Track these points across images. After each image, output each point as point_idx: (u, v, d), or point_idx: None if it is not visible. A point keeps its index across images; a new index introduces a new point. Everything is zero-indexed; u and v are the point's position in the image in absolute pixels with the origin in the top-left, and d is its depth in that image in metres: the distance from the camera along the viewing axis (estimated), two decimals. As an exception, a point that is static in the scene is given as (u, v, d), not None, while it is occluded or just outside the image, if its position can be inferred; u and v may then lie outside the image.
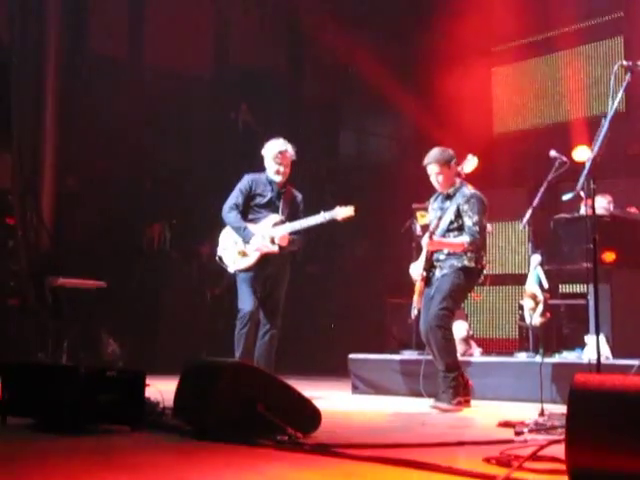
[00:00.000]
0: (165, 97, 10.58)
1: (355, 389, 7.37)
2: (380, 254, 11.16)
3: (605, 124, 4.21)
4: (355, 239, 11.84)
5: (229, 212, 6.38)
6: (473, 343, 7.60)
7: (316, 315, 10.91)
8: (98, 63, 10.37)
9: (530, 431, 4.20)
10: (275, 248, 6.23)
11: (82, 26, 10.47)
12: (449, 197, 6.09)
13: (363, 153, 12.66)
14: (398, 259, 9.27)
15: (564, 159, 6.65)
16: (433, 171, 6.06)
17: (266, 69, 12.16)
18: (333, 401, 6.39)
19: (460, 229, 5.96)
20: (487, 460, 3.25)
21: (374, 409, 6.14)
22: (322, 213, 6.30)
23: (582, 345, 6.89)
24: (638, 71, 4.35)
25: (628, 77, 4.30)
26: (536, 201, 6.79)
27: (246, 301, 6.26)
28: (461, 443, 3.84)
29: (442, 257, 6.01)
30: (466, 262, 5.93)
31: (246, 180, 6.47)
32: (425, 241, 6.04)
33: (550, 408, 4.87)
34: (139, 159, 10.53)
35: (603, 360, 5.94)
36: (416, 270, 6.13)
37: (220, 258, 6.44)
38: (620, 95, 4.25)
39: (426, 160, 6.10)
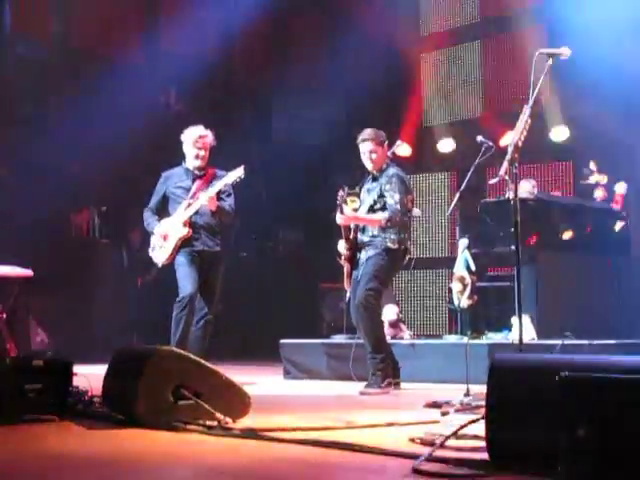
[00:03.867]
0: (94, 81, 10.39)
1: (287, 374, 7.41)
2: (311, 239, 11.21)
3: (527, 110, 4.30)
4: (287, 224, 11.86)
5: (143, 215, 6.54)
6: (403, 326, 7.71)
7: (248, 300, 10.91)
8: (20, 46, 10.14)
9: (456, 411, 4.30)
10: (184, 231, 6.24)
11: (2, 10, 10.21)
12: (375, 179, 6.14)
13: (294, 138, 12.66)
14: (329, 244, 9.33)
15: (490, 144, 6.79)
16: (367, 149, 6.07)
17: (197, 54, 12.05)
18: (265, 386, 6.42)
19: (383, 209, 6.00)
20: (412, 440, 3.32)
21: (305, 393, 6.18)
22: (215, 183, 6.29)
23: (509, 326, 7.05)
24: (558, 58, 4.46)
25: (548, 64, 4.41)
26: (463, 186, 6.93)
27: (185, 284, 6.23)
28: (389, 424, 3.91)
29: (366, 239, 6.06)
30: (389, 244, 5.98)
31: (160, 179, 6.58)
32: (338, 218, 6.06)
33: (477, 389, 4.97)
34: (66, 144, 10.35)
35: (528, 341, 6.12)
36: (342, 249, 6.20)
37: (152, 259, 6.48)
38: (540, 82, 4.35)
39: (361, 137, 6.10)
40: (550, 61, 4.45)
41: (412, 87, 11.30)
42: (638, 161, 9.20)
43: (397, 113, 10.77)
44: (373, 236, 6.03)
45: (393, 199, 5.95)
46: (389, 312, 7.56)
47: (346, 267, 6.15)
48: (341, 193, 6.07)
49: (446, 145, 10.38)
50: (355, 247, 6.11)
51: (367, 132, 6.13)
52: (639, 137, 9.18)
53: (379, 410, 4.82)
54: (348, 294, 6.20)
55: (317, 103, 12.03)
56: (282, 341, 7.56)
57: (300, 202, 11.42)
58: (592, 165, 8.37)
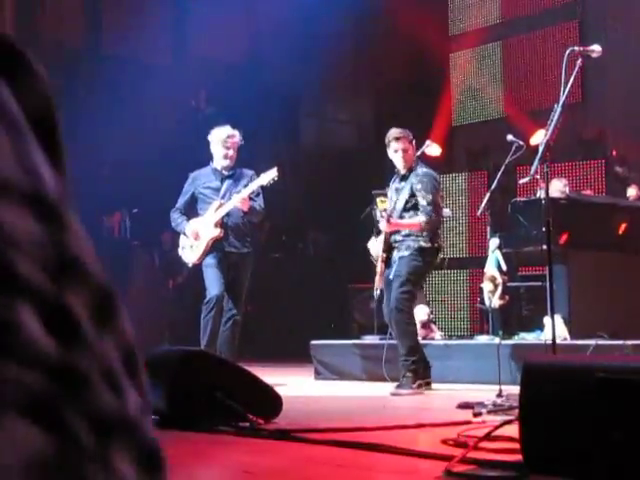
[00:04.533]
0: (124, 84, 10.48)
1: (318, 375, 7.40)
2: (342, 240, 11.21)
3: (558, 109, 4.27)
4: (317, 225, 11.87)
5: (171, 216, 6.54)
6: (434, 327, 7.68)
7: (279, 301, 10.93)
8: (52, 51, 10.25)
9: (488, 412, 4.27)
10: (216, 232, 6.25)
11: (35, 14, 10.33)
12: (404, 178, 6.15)
13: (324, 140, 12.67)
14: (359, 245, 9.32)
15: (521, 143, 6.74)
16: (400, 147, 6.05)
17: (226, 57, 12.11)
18: (295, 387, 6.42)
19: (415, 208, 6.02)
20: (445, 441, 3.30)
21: (336, 394, 6.18)
22: (249, 184, 6.30)
23: (541, 326, 6.99)
24: (589, 56, 4.43)
25: (579, 62, 4.37)
26: (494, 185, 6.88)
27: (212, 286, 6.27)
28: (420, 425, 3.89)
29: (399, 238, 6.07)
30: (422, 242, 5.98)
31: (188, 180, 6.58)
32: (383, 224, 6.10)
33: (509, 389, 4.94)
34: (97, 146, 10.44)
35: (561, 341, 6.06)
36: (374, 248, 6.20)
37: (181, 258, 6.53)
38: (572, 80, 4.32)
39: (394, 135, 6.07)
40: (581, 59, 4.41)
41: (441, 87, 11.25)
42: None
43: (426, 113, 10.73)
44: (406, 235, 6.04)
45: (425, 200, 5.97)
46: (420, 312, 7.52)
47: (380, 267, 6.15)
48: (387, 214, 6.09)
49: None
50: (389, 247, 6.12)
51: (398, 131, 6.12)
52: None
53: (410, 410, 4.81)
54: (377, 292, 6.21)
55: (346, 103, 12.04)
56: (313, 342, 7.56)
57: (330, 202, 11.43)
58: (615, 156, 8.22)
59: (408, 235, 6.02)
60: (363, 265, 8.89)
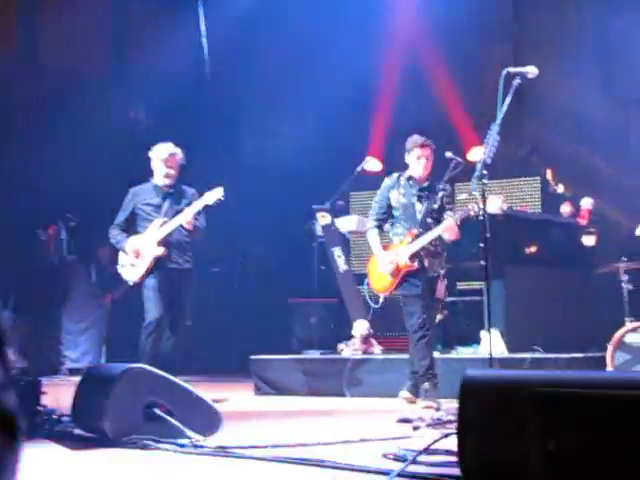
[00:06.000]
0: (61, 95, 10.34)
1: (258, 390, 7.37)
2: (282, 255, 11.20)
3: (494, 127, 4.36)
4: (258, 240, 11.85)
5: (110, 232, 6.41)
6: (373, 341, 7.72)
7: (218, 316, 10.86)
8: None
9: (427, 426, 4.32)
10: (159, 250, 6.16)
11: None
12: (429, 187, 6.08)
13: (264, 153, 12.67)
14: (299, 260, 9.34)
15: (459, 160, 6.84)
16: (427, 153, 6.06)
17: (165, 70, 12.03)
18: (236, 403, 6.39)
19: (437, 219, 6.00)
20: (385, 456, 3.33)
21: (277, 409, 6.17)
22: (193, 203, 6.24)
23: (478, 341, 7.09)
24: (525, 77, 4.53)
25: (516, 82, 4.47)
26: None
27: (151, 309, 6.15)
28: (361, 440, 3.92)
29: (432, 248, 6.04)
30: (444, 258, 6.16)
31: (128, 196, 6.46)
32: (451, 224, 5.89)
33: (447, 403, 5.00)
34: (33, 159, 10.27)
35: (498, 355, 6.16)
36: (391, 262, 6.06)
37: (120, 275, 6.39)
38: (508, 100, 4.41)
39: (424, 141, 6.07)
40: (517, 79, 4.51)
41: (381, 102, 11.33)
42: (600, 178, 9.31)
43: (366, 128, 10.81)
44: (436, 245, 6.05)
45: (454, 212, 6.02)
46: (360, 327, 7.58)
47: (404, 271, 6.04)
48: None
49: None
50: (416, 255, 6.02)
51: (423, 138, 6.06)
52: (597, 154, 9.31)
53: (351, 425, 4.83)
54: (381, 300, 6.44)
55: (286, 118, 12.06)
56: (253, 357, 7.53)
57: (269, 217, 11.42)
58: (549, 174, 8.37)
59: (437, 246, 6.05)
60: (303, 280, 8.90)
